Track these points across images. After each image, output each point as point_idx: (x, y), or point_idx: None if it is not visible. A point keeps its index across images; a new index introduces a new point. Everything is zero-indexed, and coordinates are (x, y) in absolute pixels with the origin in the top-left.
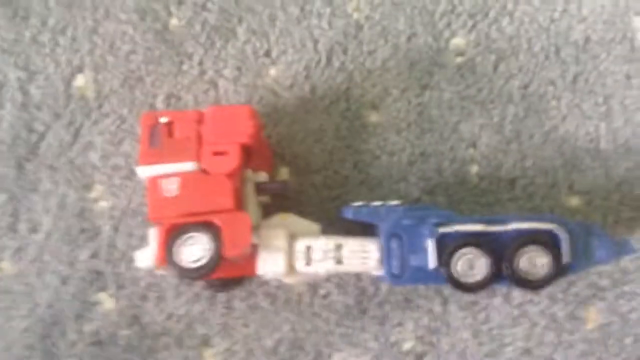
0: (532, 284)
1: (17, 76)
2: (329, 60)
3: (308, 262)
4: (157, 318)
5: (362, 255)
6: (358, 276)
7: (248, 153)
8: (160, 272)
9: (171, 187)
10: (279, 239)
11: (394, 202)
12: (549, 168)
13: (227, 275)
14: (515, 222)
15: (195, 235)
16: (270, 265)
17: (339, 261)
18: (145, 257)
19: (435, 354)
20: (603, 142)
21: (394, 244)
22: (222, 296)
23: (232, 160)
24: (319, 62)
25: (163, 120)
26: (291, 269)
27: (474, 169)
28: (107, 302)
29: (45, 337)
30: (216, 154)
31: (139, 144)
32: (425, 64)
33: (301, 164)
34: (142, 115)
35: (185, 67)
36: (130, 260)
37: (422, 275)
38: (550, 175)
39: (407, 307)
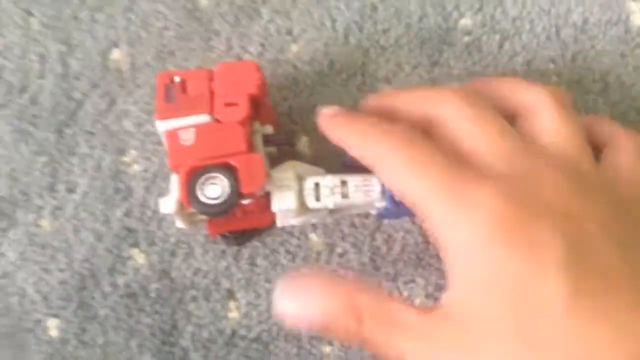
0: None
1: (58, 49)
2: (346, 38)
3: (317, 198)
4: (185, 273)
5: (365, 189)
6: (372, 236)
7: (256, 106)
8: (180, 225)
9: (188, 137)
10: (290, 180)
11: None
12: None
13: (244, 226)
14: None
15: (214, 175)
16: (283, 202)
17: (344, 195)
18: (168, 203)
19: None
20: (601, 115)
21: None
22: (245, 253)
23: (243, 109)
24: (336, 39)
25: (177, 79)
26: (302, 206)
27: None
28: (138, 257)
29: (81, 289)
30: (228, 105)
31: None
32: (435, 42)
33: (320, 133)
34: (157, 75)
35: (213, 43)
36: (161, 219)
37: None
38: None
39: (419, 265)
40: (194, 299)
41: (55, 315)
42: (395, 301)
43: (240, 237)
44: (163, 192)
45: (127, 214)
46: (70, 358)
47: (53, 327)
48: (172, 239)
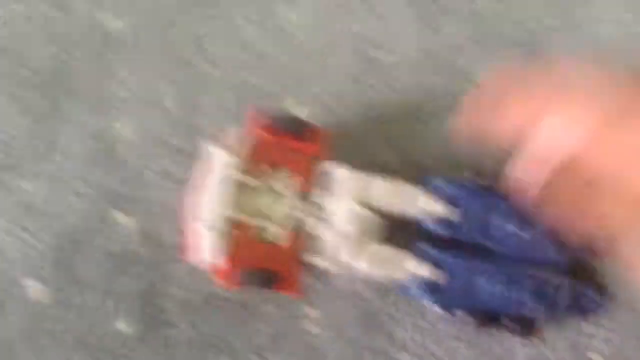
0: None
1: (50, 14)
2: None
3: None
4: (168, 237)
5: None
6: None
7: None
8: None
9: None
10: None
11: None
12: None
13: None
14: None
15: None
16: None
17: None
18: None
19: None
20: None
21: None
22: None
23: None
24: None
25: None
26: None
27: None
28: (123, 220)
29: (62, 250)
30: None
31: None
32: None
33: (315, 103)
34: None
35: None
36: (147, 184)
37: None
38: None
39: None
40: (177, 261)
41: (34, 276)
42: None
43: None
44: (151, 158)
45: (115, 178)
46: (48, 319)
47: (31, 287)
48: (157, 203)
